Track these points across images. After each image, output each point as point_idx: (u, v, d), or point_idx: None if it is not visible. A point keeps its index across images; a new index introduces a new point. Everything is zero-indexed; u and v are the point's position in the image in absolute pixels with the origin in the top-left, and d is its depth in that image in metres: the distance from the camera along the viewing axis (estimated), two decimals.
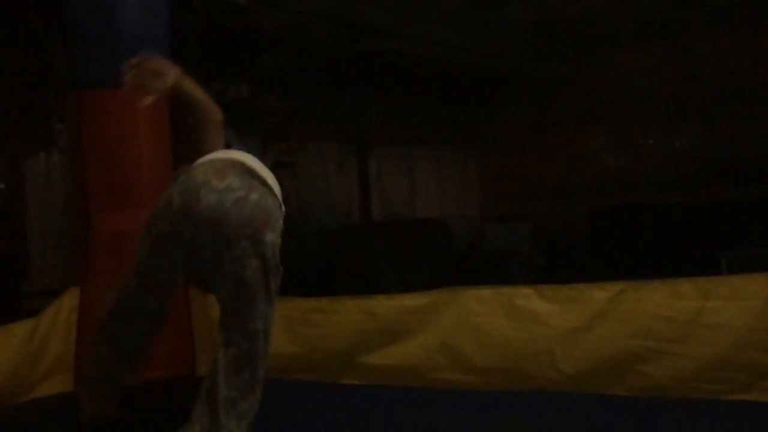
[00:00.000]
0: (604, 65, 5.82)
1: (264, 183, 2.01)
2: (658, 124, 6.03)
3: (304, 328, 2.92)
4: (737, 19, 5.04)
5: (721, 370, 2.35)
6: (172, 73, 2.00)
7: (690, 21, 5.16)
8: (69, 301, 2.93)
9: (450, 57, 5.73)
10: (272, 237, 1.92)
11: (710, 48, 5.39)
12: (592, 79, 5.97)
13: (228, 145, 5.86)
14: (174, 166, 2.32)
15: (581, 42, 5.60)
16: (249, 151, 6.42)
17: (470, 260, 6.05)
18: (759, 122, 5.36)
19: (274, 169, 6.51)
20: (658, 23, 5.24)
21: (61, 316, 2.89)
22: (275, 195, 2.02)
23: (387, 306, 2.85)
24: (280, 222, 1.98)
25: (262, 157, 6.36)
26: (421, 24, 5.21)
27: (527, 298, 2.62)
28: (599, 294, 2.53)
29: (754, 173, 5.42)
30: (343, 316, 2.89)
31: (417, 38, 5.42)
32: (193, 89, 2.09)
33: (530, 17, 5.10)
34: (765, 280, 2.36)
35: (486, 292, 2.71)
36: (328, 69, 5.78)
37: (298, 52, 5.60)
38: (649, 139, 6.14)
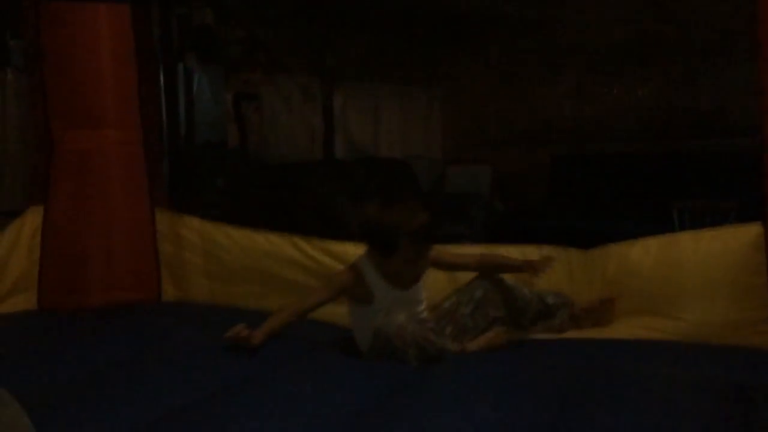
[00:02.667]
0: (572, 11, 5.83)
1: None
2: (622, 74, 6.10)
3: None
4: None
5: None
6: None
7: None
8: (32, 220, 2.88)
9: None
10: None
11: None
12: (560, 25, 5.97)
13: (189, 73, 5.66)
14: None
15: None
16: (211, 81, 6.20)
17: (431, 201, 6.09)
18: (719, 75, 5.48)
19: (236, 101, 6.37)
20: None
21: (23, 235, 2.85)
22: None
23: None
24: None
25: (224, 88, 6.16)
26: None
27: None
28: None
29: (712, 126, 5.57)
30: None
31: None
32: None
33: None
34: None
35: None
36: None
37: None
38: (613, 88, 6.23)
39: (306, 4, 5.71)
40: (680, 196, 4.51)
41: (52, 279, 2.86)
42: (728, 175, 4.72)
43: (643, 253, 2.56)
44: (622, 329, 2.50)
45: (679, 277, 2.49)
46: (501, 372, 2.15)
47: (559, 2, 5.73)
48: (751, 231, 2.42)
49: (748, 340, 2.38)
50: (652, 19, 5.62)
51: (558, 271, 2.57)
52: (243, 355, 2.23)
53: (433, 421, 1.78)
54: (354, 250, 2.82)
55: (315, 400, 1.91)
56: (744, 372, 2.15)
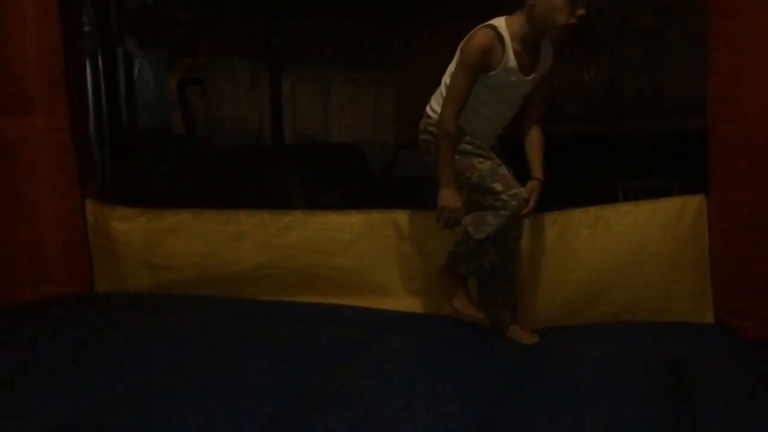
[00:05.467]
0: None
1: None
2: (570, 58, 6.15)
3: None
4: None
5: None
6: None
7: None
8: None
9: None
10: None
11: None
12: (507, 8, 5.98)
13: (130, 58, 5.52)
14: None
15: None
16: (154, 65, 6.08)
17: (382, 186, 6.08)
18: (659, 57, 5.56)
19: (181, 85, 6.22)
20: None
21: None
22: None
23: None
24: None
25: (167, 73, 6.03)
26: None
27: None
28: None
29: (654, 106, 5.66)
30: None
31: None
32: None
33: None
34: None
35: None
36: None
37: None
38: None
39: None
40: (625, 177, 4.57)
41: None
42: (671, 155, 4.80)
43: (581, 223, 2.52)
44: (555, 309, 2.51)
45: (615, 249, 2.46)
46: (438, 359, 2.14)
47: None
48: (692, 202, 2.42)
49: (687, 314, 2.41)
50: (594, 2, 5.66)
51: None
52: (182, 339, 2.22)
53: (369, 408, 1.77)
54: (303, 217, 2.78)
55: (259, 380, 1.90)
56: (681, 345, 2.19)
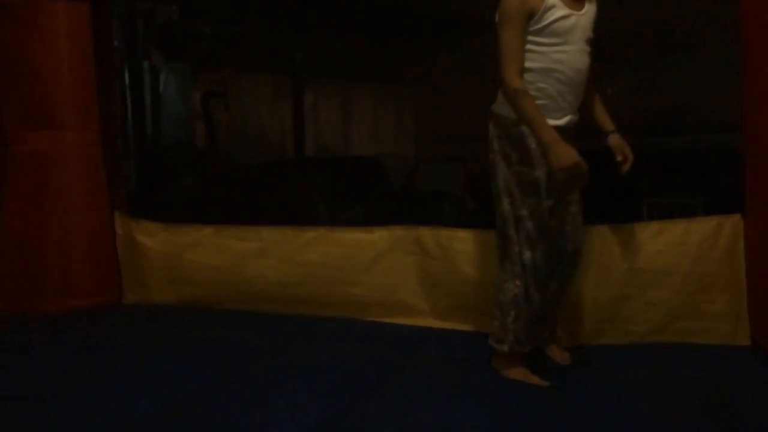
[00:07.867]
0: None
1: None
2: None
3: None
4: None
5: None
6: None
7: None
8: None
9: None
10: None
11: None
12: None
13: (155, 72, 5.56)
14: None
15: None
16: (179, 79, 6.08)
17: (403, 200, 6.06)
18: (685, 73, 5.52)
19: (204, 99, 6.24)
20: None
21: None
22: None
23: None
24: None
25: (192, 87, 6.05)
26: None
27: None
28: None
29: (679, 124, 5.61)
30: None
31: None
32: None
33: None
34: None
35: None
36: None
37: None
38: None
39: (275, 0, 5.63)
40: (650, 193, 4.51)
41: (7, 285, 2.77)
42: (696, 172, 4.75)
43: (614, 240, 2.49)
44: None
45: (648, 267, 2.43)
46: (473, 386, 2.11)
47: None
48: (728, 222, 2.38)
49: (721, 336, 2.36)
50: (617, 17, 5.63)
51: None
52: (212, 356, 2.22)
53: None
54: (325, 233, 2.76)
55: (293, 399, 1.89)
56: (718, 371, 2.14)
